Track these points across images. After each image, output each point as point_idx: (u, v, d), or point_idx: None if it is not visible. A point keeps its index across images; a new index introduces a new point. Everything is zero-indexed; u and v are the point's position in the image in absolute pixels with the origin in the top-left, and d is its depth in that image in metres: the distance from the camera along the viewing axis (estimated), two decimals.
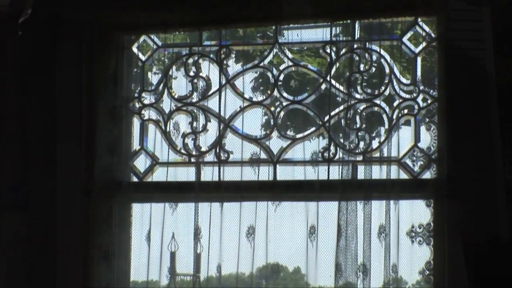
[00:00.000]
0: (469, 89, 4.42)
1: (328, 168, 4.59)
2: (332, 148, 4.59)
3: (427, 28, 4.61)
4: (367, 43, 4.64)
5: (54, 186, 4.91)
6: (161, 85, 4.90)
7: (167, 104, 4.90)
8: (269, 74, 4.76)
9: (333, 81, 4.63)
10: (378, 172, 4.59)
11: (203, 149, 4.79)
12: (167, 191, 4.80)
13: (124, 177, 4.91)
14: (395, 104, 4.56)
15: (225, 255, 4.72)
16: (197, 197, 4.74)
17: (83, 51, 4.92)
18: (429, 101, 4.55)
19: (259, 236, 4.68)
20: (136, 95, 4.95)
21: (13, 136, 5.23)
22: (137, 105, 4.94)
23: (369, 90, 4.58)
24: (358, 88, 4.58)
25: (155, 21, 4.90)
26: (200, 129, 4.79)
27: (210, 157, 4.80)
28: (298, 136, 4.69)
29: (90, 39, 4.94)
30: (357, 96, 4.59)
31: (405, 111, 4.56)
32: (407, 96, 4.57)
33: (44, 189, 4.96)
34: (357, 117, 4.59)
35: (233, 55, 4.86)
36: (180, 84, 4.91)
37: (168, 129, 4.86)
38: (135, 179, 4.92)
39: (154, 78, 4.99)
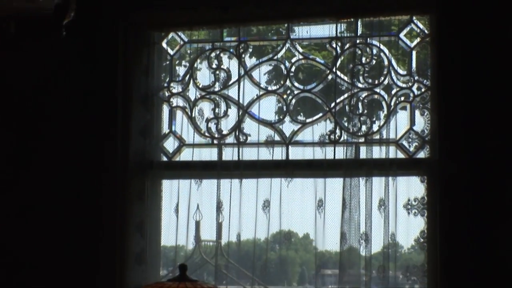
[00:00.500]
0: (458, 79, 4.50)
1: (334, 149, 4.66)
2: (337, 131, 4.66)
3: (421, 25, 4.68)
4: (368, 39, 4.70)
5: (99, 166, 4.98)
6: (187, 76, 4.98)
7: (192, 93, 4.97)
8: (282, 66, 4.84)
9: (338, 72, 4.70)
10: (378, 152, 4.63)
11: (224, 132, 4.88)
12: (192, 169, 4.87)
13: (155, 157, 5.00)
14: (393, 92, 4.63)
15: (244, 224, 4.79)
16: (219, 174, 4.84)
17: (119, 47, 4.96)
18: (422, 90, 4.62)
19: (273, 208, 4.74)
20: (165, 85, 5.04)
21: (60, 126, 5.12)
22: (166, 93, 5.03)
23: (370, 80, 4.66)
24: (360, 78, 4.66)
25: (182, 20, 4.96)
26: (222, 115, 4.88)
27: (230, 139, 4.87)
28: (308, 120, 4.77)
29: (125, 36, 4.98)
30: (359, 85, 4.66)
31: (402, 98, 4.63)
32: (404, 85, 4.64)
33: (91, 168, 5.00)
34: (360, 104, 4.66)
35: (250, 50, 4.91)
36: (203, 75, 4.97)
37: (193, 115, 4.94)
38: (164, 159, 5.02)
39: (181, 70, 5.03)
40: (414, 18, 4.70)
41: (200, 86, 4.94)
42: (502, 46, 4.54)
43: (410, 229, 4.59)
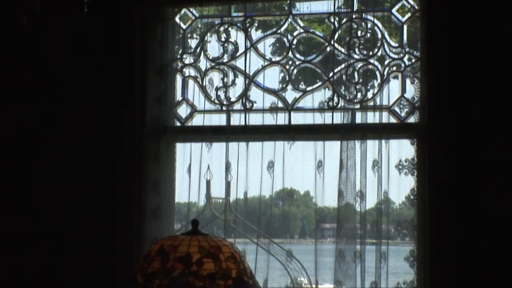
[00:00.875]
0: (445, 50, 4.55)
1: (332, 115, 4.75)
2: (335, 98, 4.74)
3: (411, 1, 4.72)
4: (363, 14, 4.76)
5: (118, 130, 5.05)
6: (198, 48, 5.03)
7: (203, 64, 5.01)
8: (285, 39, 4.90)
9: (336, 45, 4.77)
10: (372, 118, 4.72)
11: (232, 99, 4.95)
12: (203, 134, 4.98)
13: (169, 122, 5.08)
14: (385, 62, 4.70)
15: (250, 183, 4.88)
16: (227, 138, 4.92)
17: (136, 22, 5.02)
18: (413, 60, 4.68)
19: (277, 168, 4.82)
20: (178, 56, 5.09)
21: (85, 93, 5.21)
22: (179, 64, 5.07)
23: (365, 52, 4.72)
24: (356, 50, 4.72)
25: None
26: (230, 84, 4.94)
27: (237, 106, 4.95)
28: (308, 89, 4.85)
29: (141, 12, 5.04)
30: (355, 56, 4.72)
31: (394, 68, 4.71)
32: (395, 56, 4.72)
33: (111, 133, 5.07)
34: (355, 73, 4.71)
35: (255, 24, 4.97)
36: (213, 48, 5.01)
37: (204, 84, 5.00)
38: (178, 124, 5.09)
39: (192, 43, 5.09)
40: None
41: (210, 57, 5.00)
42: (486, 18, 4.55)
43: (401, 187, 4.68)
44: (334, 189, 4.69)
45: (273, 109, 4.89)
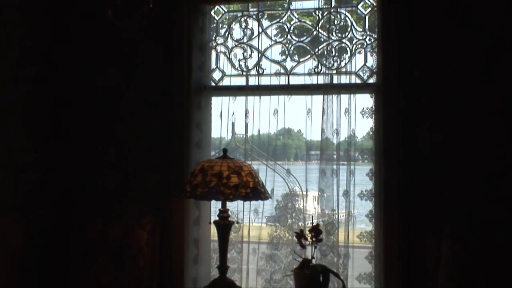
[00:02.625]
0: (394, 34, 4.68)
1: (317, 77, 4.92)
2: (319, 66, 4.92)
3: (371, 0, 4.87)
4: (338, 9, 4.91)
5: (173, 89, 5.13)
6: (226, 33, 5.19)
7: (230, 43, 5.17)
8: (285, 26, 5.04)
9: (320, 30, 4.93)
10: (344, 79, 4.91)
11: (249, 67, 5.10)
12: (230, 90, 5.13)
13: (207, 83, 5.21)
14: (353, 42, 4.87)
15: (261, 124, 5.03)
16: (246, 93, 5.05)
17: (184, 15, 5.10)
18: (372, 40, 4.84)
19: (279, 114, 4.99)
20: (213, 38, 5.21)
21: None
22: (214, 44, 5.21)
23: (339, 35, 4.89)
24: (333, 33, 4.89)
25: None
26: (248, 57, 5.10)
27: (253, 72, 5.08)
28: (301, 60, 5.00)
29: (188, 8, 5.11)
30: (333, 38, 4.89)
31: (359, 45, 4.87)
32: (360, 37, 4.88)
33: (168, 91, 5.15)
34: (333, 49, 4.90)
35: (265, 16, 5.11)
36: (236, 32, 5.17)
37: (230, 57, 5.17)
38: (213, 84, 5.22)
39: (222, 29, 5.22)
40: None
41: (234, 39, 5.16)
42: (420, 12, 4.64)
43: (363, 126, 4.86)
44: (318, 128, 4.88)
45: (277, 74, 5.07)
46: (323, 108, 4.86)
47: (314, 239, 4.37)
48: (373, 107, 4.81)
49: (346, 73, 4.91)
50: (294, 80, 5.03)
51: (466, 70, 4.59)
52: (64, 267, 5.02)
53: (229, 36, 5.19)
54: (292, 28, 5.03)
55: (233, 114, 5.10)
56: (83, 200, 5.32)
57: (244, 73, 5.12)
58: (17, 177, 5.02)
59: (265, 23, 5.09)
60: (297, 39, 5.03)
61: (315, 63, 4.95)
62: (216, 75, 5.23)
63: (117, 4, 3.16)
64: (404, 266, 4.58)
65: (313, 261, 4.40)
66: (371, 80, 4.85)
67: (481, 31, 4.55)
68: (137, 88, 5.28)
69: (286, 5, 5.08)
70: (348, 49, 4.90)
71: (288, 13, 5.05)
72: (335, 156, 4.86)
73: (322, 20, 4.94)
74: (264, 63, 5.08)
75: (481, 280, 4.16)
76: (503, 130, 4.51)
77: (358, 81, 4.87)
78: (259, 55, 5.09)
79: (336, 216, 4.83)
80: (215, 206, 4.74)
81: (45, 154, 5.29)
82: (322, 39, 4.94)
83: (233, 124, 5.11)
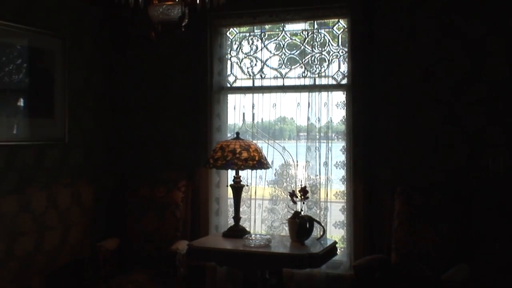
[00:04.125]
0: (361, 47, 4.62)
1: (304, 80, 4.88)
2: (305, 72, 4.87)
3: (343, 23, 4.77)
4: (319, 30, 4.86)
5: (199, 88, 5.08)
6: (238, 48, 5.12)
7: (240, 55, 5.11)
8: (281, 43, 4.99)
9: (306, 45, 4.88)
10: (324, 81, 4.83)
11: (255, 73, 5.06)
12: (241, 90, 5.10)
13: (224, 84, 5.16)
14: (330, 54, 4.81)
15: (264, 112, 5.03)
16: (253, 92, 5.05)
17: (207, 35, 5.07)
18: (344, 52, 4.75)
19: (277, 106, 5.00)
20: (228, 52, 5.16)
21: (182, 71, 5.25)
22: (229, 56, 5.15)
23: (320, 48, 4.83)
24: (316, 48, 4.84)
25: (235, 22, 5.05)
26: (254, 65, 5.06)
27: (258, 76, 5.04)
28: (292, 67, 4.94)
29: (210, 30, 5.07)
30: (315, 51, 4.84)
31: (334, 56, 4.81)
32: (335, 50, 4.81)
33: (196, 89, 5.14)
34: (315, 59, 4.85)
35: (266, 36, 5.06)
36: (245, 47, 5.11)
37: (241, 65, 5.12)
38: (228, 85, 5.16)
39: (235, 45, 5.14)
40: (340, 20, 4.80)
41: (244, 52, 5.11)
42: (378, 34, 4.62)
43: (338, 114, 4.84)
44: (305, 116, 4.87)
45: (275, 78, 5.03)
46: (308, 102, 4.87)
47: (302, 197, 4.37)
48: (345, 101, 4.78)
49: (325, 76, 4.86)
50: (288, 82, 5.00)
51: (411, 73, 4.55)
52: (122, 219, 5.06)
53: (240, 50, 5.14)
54: (285, 44, 5.00)
55: (243, 106, 5.11)
56: (136, 170, 5.35)
57: (251, 77, 5.09)
58: (88, 154, 5.16)
59: (266, 40, 5.07)
60: (289, 52, 4.98)
61: (302, 69, 4.92)
62: (231, 78, 5.18)
63: (158, 29, 3.05)
64: (367, 216, 4.61)
65: (302, 213, 4.38)
66: (343, 82, 4.79)
67: (421, 44, 4.52)
68: (174, 88, 5.27)
69: (281, 28, 5.03)
70: (326, 59, 4.85)
71: (283, 33, 5.02)
72: (317, 137, 4.86)
73: (307, 38, 4.89)
74: (266, 69, 5.06)
75: (421, 225, 4.22)
76: (438, 117, 4.48)
77: (334, 82, 4.83)
78: (262, 64, 5.06)
79: (318, 180, 4.84)
80: (231, 173, 4.77)
81: (108, 137, 5.41)
82: (307, 52, 4.90)
83: (243, 114, 5.11)
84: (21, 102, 4.50)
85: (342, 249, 4.79)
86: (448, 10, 4.46)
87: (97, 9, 5.17)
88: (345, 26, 4.79)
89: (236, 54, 5.19)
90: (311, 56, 4.92)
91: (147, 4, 2.97)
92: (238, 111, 5.16)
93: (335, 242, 4.47)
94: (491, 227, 4.30)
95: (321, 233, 4.47)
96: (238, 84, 5.20)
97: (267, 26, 5.09)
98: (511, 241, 4.27)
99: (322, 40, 4.89)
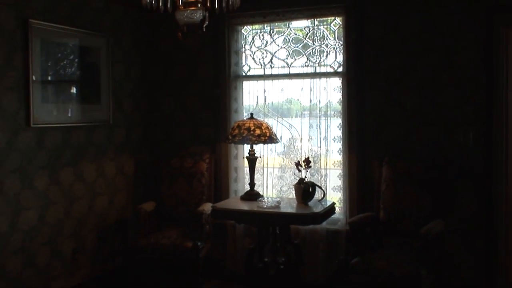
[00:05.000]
0: (354, 42, 4.57)
1: (307, 69, 4.83)
2: (308, 62, 4.82)
3: (339, 21, 4.71)
4: (319, 27, 4.79)
5: (219, 77, 5.04)
6: (251, 42, 5.07)
7: (253, 49, 5.05)
8: (287, 38, 4.93)
9: (308, 39, 4.81)
10: (323, 69, 4.77)
11: (266, 63, 5.00)
12: (254, 78, 5.04)
13: (240, 73, 5.10)
14: (328, 46, 4.76)
15: (274, 96, 4.99)
16: (264, 79, 5.00)
17: (225, 32, 5.02)
18: (340, 45, 4.70)
19: (285, 90, 4.97)
20: (243, 46, 5.09)
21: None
22: (243, 49, 5.10)
23: (320, 42, 4.78)
24: (316, 41, 4.78)
25: (248, 21, 4.97)
26: (264, 57, 5.00)
27: (268, 66, 4.98)
28: (297, 58, 4.87)
29: (228, 28, 5.02)
30: (316, 44, 4.78)
31: (332, 48, 4.76)
32: (332, 43, 4.75)
33: (216, 78, 5.07)
34: (316, 51, 4.79)
35: (274, 32, 4.98)
36: (257, 41, 5.05)
37: (254, 57, 5.06)
38: (243, 74, 5.10)
39: (249, 39, 5.07)
40: (336, 18, 4.71)
41: (256, 46, 5.05)
42: (368, 27, 4.55)
43: (335, 97, 4.77)
44: (308, 98, 4.84)
45: (282, 67, 4.96)
46: (310, 87, 4.84)
47: (306, 166, 4.35)
48: (341, 86, 4.73)
49: (324, 65, 4.81)
50: (293, 70, 4.95)
51: (395, 62, 4.51)
52: (157, 186, 5.07)
53: (253, 44, 5.10)
54: (291, 39, 4.95)
55: (256, 91, 5.07)
56: (167, 145, 5.35)
57: (262, 67, 5.05)
58: (129, 132, 5.21)
59: (275, 36, 5.02)
60: (294, 45, 4.94)
61: (305, 59, 4.88)
62: (245, 68, 5.14)
63: (183, 29, 3.00)
64: (360, 181, 4.62)
65: (306, 179, 4.35)
66: (339, 70, 4.74)
67: (403, 38, 4.48)
68: (199, 77, 5.23)
69: (287, 25, 4.98)
70: (325, 51, 4.82)
71: (288, 29, 4.97)
72: (319, 114, 4.82)
73: (309, 33, 4.85)
74: (274, 60, 5.02)
75: (404, 188, 4.19)
76: (418, 99, 4.44)
77: (331, 70, 4.79)
78: (271, 56, 5.02)
79: (319, 151, 4.82)
80: (247, 147, 4.75)
81: (145, 118, 5.39)
82: (309, 45, 4.86)
83: (256, 97, 5.08)
84: (74, 91, 4.58)
85: (339, 209, 4.76)
86: (426, 9, 4.44)
87: (134, 13, 5.16)
88: (341, 23, 4.75)
89: (250, 48, 5.14)
90: (312, 49, 4.87)
91: (174, 9, 2.96)
92: (252, 95, 5.12)
93: (334, 203, 4.46)
94: (462, 188, 4.32)
95: (322, 196, 4.44)
96: (251, 73, 5.14)
97: (275, 24, 5.03)
98: (477, 200, 4.31)
99: (321, 35, 4.85)
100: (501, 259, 4.22)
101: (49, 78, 4.25)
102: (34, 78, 4.04)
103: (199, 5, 2.92)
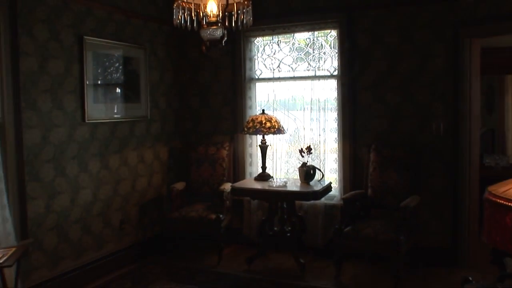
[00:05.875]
0: (346, 51, 4.56)
1: (308, 72, 4.85)
2: (309, 66, 4.85)
3: (334, 33, 4.73)
4: (317, 38, 4.81)
5: (237, 80, 5.03)
6: (262, 51, 5.09)
7: (264, 56, 5.09)
8: (292, 47, 4.97)
9: (309, 48, 4.84)
10: (321, 72, 4.79)
11: (274, 68, 5.03)
12: (265, 80, 4.99)
13: (253, 76, 5.12)
14: (326, 54, 4.78)
15: (281, 94, 5.02)
16: (273, 81, 5.03)
17: (241, 43, 5.01)
18: (335, 53, 4.71)
19: (291, 89, 4.99)
20: (256, 54, 5.14)
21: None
22: (256, 57, 5.13)
23: (319, 50, 4.81)
24: (315, 49, 4.82)
25: (260, 34, 4.97)
26: (273, 63, 5.02)
27: (276, 70, 5.02)
28: (300, 63, 4.88)
29: (243, 40, 4.95)
30: (315, 52, 4.82)
31: (328, 56, 4.78)
32: (329, 52, 4.77)
33: (235, 81, 5.07)
34: (316, 58, 4.82)
35: (281, 42, 5.01)
36: (267, 50, 5.07)
37: (264, 63, 5.09)
38: (256, 77, 5.10)
39: (260, 48, 5.09)
40: (332, 30, 4.73)
41: (266, 54, 5.07)
42: (361, 38, 4.53)
43: (331, 95, 4.80)
44: (309, 96, 4.88)
45: (288, 71, 4.97)
46: (311, 87, 4.89)
47: (308, 152, 4.41)
48: (336, 86, 4.74)
49: (322, 69, 4.82)
50: (297, 74, 4.96)
51: (380, 67, 4.54)
52: (187, 168, 5.10)
53: (264, 52, 5.12)
54: (295, 48, 4.98)
55: (267, 90, 5.10)
56: (195, 136, 5.37)
57: (272, 71, 5.08)
58: (163, 125, 5.27)
59: (282, 45, 5.05)
60: (297, 53, 4.97)
61: (307, 65, 4.90)
62: (258, 72, 5.16)
63: (207, 44, 3.05)
64: (352, 164, 4.66)
65: (308, 163, 4.42)
66: (335, 73, 4.74)
67: (387, 47, 4.51)
68: (219, 81, 5.24)
69: (292, 36, 4.99)
70: (323, 57, 4.84)
71: (293, 40, 5.00)
72: (318, 110, 4.84)
73: (310, 43, 4.88)
74: (282, 66, 5.05)
75: (388, 170, 4.21)
76: (399, 97, 4.48)
77: (328, 73, 4.80)
78: (279, 62, 5.05)
79: (319, 140, 4.86)
80: (259, 137, 4.81)
81: (176, 114, 5.37)
82: (310, 53, 4.89)
83: (267, 95, 5.12)
84: (119, 92, 4.61)
85: (335, 187, 4.78)
86: (406, 24, 4.48)
87: (167, 28, 5.16)
88: (336, 35, 4.78)
89: (261, 55, 5.16)
90: (313, 56, 4.91)
91: (199, 27, 3.04)
92: (263, 94, 5.15)
93: (330, 183, 4.52)
94: (434, 169, 4.39)
95: (321, 177, 4.51)
96: (263, 76, 5.15)
97: (282, 36, 5.05)
98: (446, 178, 4.38)
99: (320, 45, 4.88)
100: (464, 226, 4.33)
101: (99, 82, 4.32)
102: (87, 82, 4.15)
103: (219, 24, 3.01)
